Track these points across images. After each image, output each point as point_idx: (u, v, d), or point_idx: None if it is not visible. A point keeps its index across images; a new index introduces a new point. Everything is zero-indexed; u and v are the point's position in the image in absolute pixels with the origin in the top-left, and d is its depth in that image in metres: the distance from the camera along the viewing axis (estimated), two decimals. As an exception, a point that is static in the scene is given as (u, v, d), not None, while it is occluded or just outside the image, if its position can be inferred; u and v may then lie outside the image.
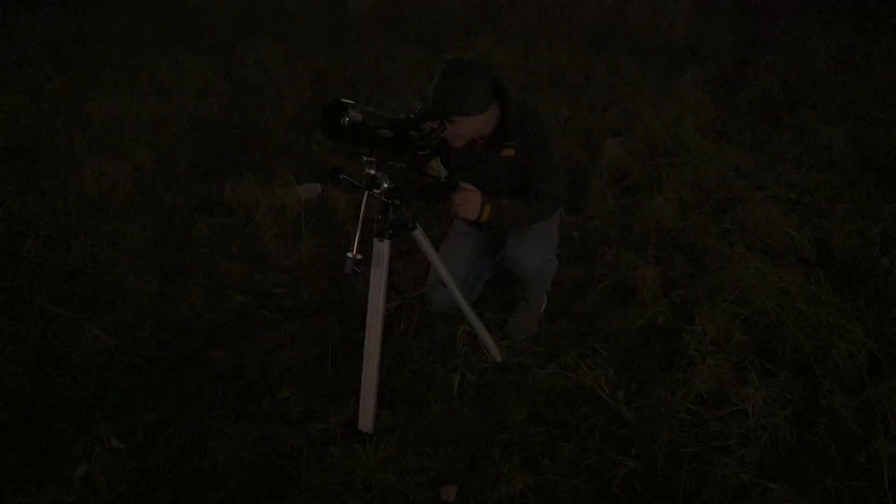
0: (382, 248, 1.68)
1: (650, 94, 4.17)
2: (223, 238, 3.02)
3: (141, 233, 3.04)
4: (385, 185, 1.60)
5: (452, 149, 1.92)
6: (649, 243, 2.73)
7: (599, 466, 1.72)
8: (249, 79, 5.20)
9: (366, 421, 1.81)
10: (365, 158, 1.60)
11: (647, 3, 5.70)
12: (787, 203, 2.90)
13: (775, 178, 3.17)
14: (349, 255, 1.57)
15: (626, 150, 3.43)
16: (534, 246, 2.07)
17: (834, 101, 3.87)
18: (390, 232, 1.66)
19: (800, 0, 4.38)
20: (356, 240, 1.57)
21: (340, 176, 1.58)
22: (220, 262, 2.79)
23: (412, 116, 1.66)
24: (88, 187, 3.42)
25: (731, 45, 4.58)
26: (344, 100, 1.43)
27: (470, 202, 1.82)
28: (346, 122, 1.42)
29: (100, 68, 5.57)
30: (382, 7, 7.42)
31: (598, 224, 2.96)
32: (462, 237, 2.31)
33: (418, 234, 1.79)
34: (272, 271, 2.74)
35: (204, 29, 6.94)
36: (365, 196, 1.64)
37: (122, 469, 1.76)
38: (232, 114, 4.37)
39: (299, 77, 5.10)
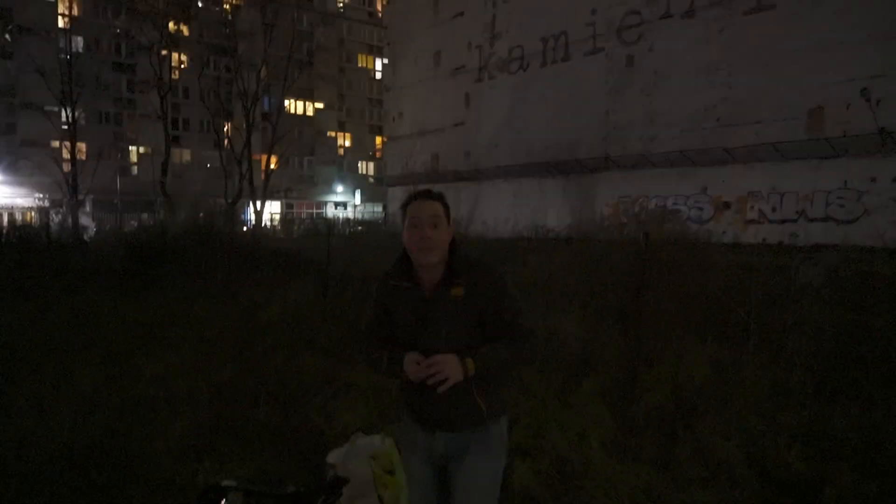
0: None
1: (553, 408, 4.26)
2: None
3: None
4: None
5: (404, 297, 2.01)
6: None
7: None
8: (143, 393, 4.93)
9: None
10: None
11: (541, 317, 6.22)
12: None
13: (686, 500, 3.12)
14: None
15: (534, 471, 3.35)
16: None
17: (723, 412, 4.09)
18: None
19: (672, 317, 4.94)
20: None
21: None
22: None
23: (302, 490, 1.52)
24: None
25: (618, 358, 4.94)
26: (223, 482, 1.29)
27: (448, 363, 1.85)
28: None
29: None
30: (293, 315, 7.70)
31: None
32: (419, 483, 2.17)
33: None
34: None
35: (107, 336, 6.79)
36: None
37: None
38: (114, 437, 3.99)
39: (198, 392, 4.89)
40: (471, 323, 1.98)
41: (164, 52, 30.85)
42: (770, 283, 4.85)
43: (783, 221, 18.39)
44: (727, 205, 19.68)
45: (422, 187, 2.04)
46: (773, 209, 18.70)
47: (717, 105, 19.06)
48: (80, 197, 30.70)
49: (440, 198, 2.01)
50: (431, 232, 1.93)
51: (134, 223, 19.39)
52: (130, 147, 48.93)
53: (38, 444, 3.83)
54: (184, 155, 49.27)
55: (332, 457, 3.21)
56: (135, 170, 48.59)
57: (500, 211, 23.56)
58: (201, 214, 15.01)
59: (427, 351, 1.94)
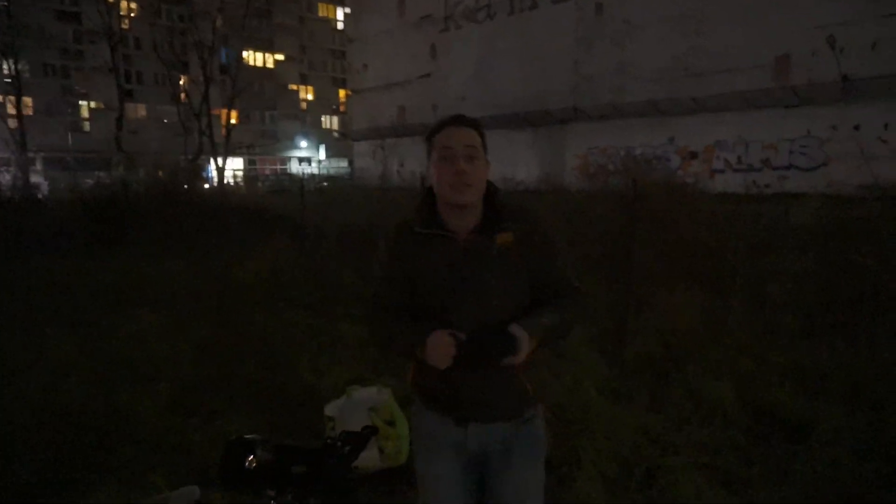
0: None
1: (544, 356, 4.25)
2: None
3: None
4: None
5: (434, 249, 1.59)
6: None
7: None
8: (120, 355, 4.76)
9: None
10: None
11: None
12: (705, 470, 2.85)
13: (684, 439, 3.16)
14: None
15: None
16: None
17: (712, 355, 4.15)
18: None
19: (660, 265, 4.95)
20: None
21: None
22: None
23: (329, 441, 1.42)
24: None
25: (607, 307, 4.95)
26: (248, 436, 1.19)
27: (521, 341, 1.47)
28: (253, 464, 1.17)
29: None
30: (270, 273, 7.51)
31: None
32: (447, 485, 1.70)
33: None
34: None
35: (76, 300, 6.52)
36: None
37: None
38: (95, 398, 3.84)
39: (179, 351, 4.74)
40: (521, 280, 1.61)
41: (111, 0, 29.16)
42: (756, 228, 4.88)
43: (748, 170, 18.67)
44: (694, 154, 19.85)
45: (450, 117, 1.63)
46: (739, 158, 18.96)
47: (686, 54, 18.99)
48: (31, 154, 29.28)
49: (476, 125, 1.62)
50: (468, 165, 1.55)
51: (89, 182, 18.59)
52: (81, 102, 46.71)
53: (10, 408, 3.66)
54: (139, 110, 47.29)
55: (330, 409, 3.14)
56: (87, 126, 46.49)
57: (469, 164, 23.31)
58: (160, 173, 14.45)
59: (467, 319, 1.54)
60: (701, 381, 3.76)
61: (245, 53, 39.42)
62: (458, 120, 1.62)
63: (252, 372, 4.40)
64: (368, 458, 3.03)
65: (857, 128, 16.59)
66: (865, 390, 3.49)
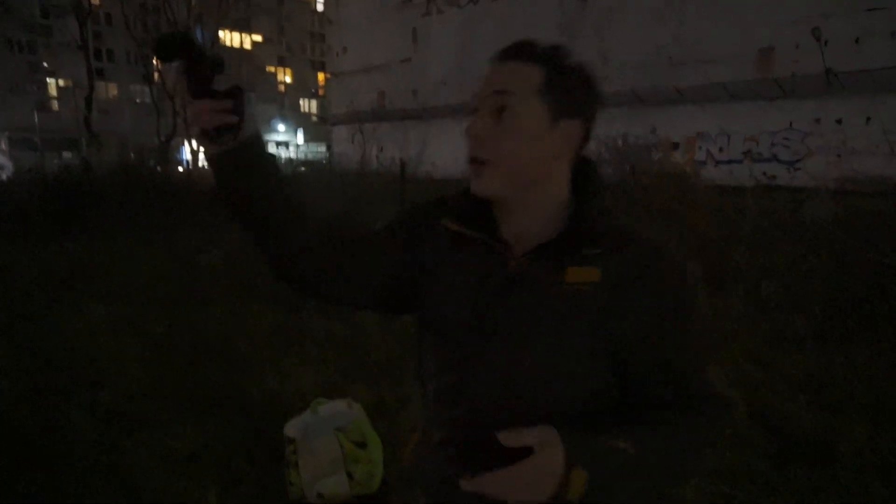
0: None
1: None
2: None
3: None
4: None
5: (466, 259, 0.95)
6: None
7: None
8: (58, 356, 4.27)
9: None
10: None
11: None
12: (723, 502, 2.50)
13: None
14: None
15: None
16: None
17: (718, 361, 3.81)
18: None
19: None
20: None
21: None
22: None
23: None
24: None
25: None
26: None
27: (539, 465, 0.76)
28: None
29: None
30: (235, 260, 7.03)
31: None
32: None
33: None
34: None
35: (17, 289, 5.97)
36: None
37: None
38: (20, 409, 3.36)
39: (129, 352, 4.27)
40: (596, 349, 0.87)
41: (79, -28, 27.89)
42: (761, 223, 4.55)
43: (730, 162, 18.56)
44: (676, 145, 19.65)
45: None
46: (721, 150, 18.83)
47: (669, 44, 18.76)
48: (-7, 134, 28.10)
49: (538, 56, 0.91)
50: (486, 124, 0.90)
51: (56, 162, 17.74)
52: (49, 79, 45.03)
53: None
54: (110, 89, 45.79)
55: (291, 429, 2.71)
56: (55, 105, 44.90)
57: (448, 151, 22.85)
58: (132, 154, 13.78)
59: (481, 392, 0.91)
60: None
61: (221, 34, 38.26)
62: (510, 49, 0.94)
63: (209, 375, 3.96)
64: (336, 485, 2.63)
65: (839, 121, 16.53)
66: (889, 404, 3.18)
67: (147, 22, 32.71)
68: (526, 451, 0.77)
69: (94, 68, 29.18)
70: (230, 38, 50.72)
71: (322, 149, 45.95)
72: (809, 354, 3.74)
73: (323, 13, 46.78)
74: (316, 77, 60.61)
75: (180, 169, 23.26)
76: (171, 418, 3.33)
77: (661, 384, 0.88)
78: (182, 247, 7.94)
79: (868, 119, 15.90)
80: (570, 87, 0.90)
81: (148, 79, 32.79)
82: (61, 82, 44.48)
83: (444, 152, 22.99)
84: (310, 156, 43.49)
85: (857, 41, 15.78)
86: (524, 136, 0.88)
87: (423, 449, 1.03)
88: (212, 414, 3.40)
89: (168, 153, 21.25)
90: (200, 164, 29.04)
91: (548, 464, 0.76)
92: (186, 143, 29.97)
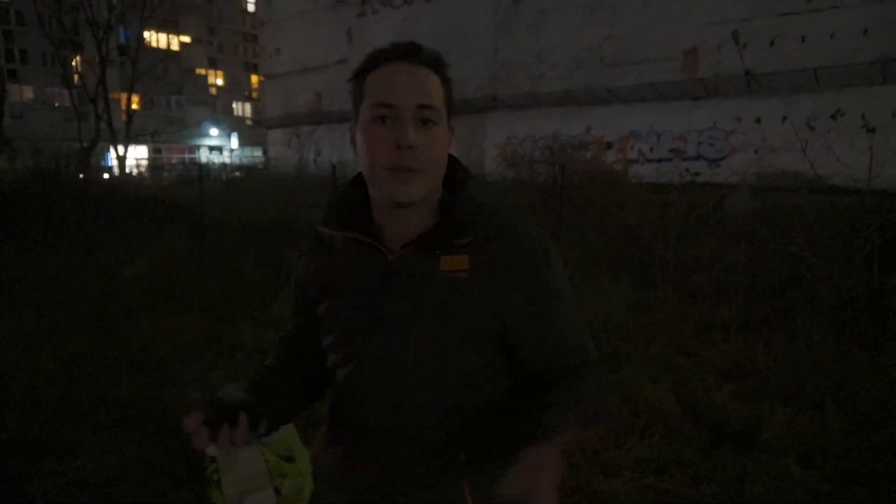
0: None
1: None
2: None
3: None
4: None
5: (351, 265, 0.98)
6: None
7: None
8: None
9: None
10: None
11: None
12: (651, 493, 2.53)
13: (623, 455, 2.84)
14: None
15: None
16: None
17: (647, 351, 3.89)
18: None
19: (587, 254, 4.67)
20: None
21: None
22: None
23: None
24: None
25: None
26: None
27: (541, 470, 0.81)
28: None
29: None
30: (161, 271, 6.72)
31: None
32: None
33: None
34: None
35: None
36: None
37: None
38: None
39: (38, 368, 3.99)
40: (476, 331, 0.94)
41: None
42: (689, 218, 4.69)
43: (660, 160, 19.17)
44: (609, 145, 20.18)
45: (393, 45, 0.94)
46: (651, 149, 19.45)
47: (602, 44, 19.22)
48: None
49: (436, 63, 0.93)
50: (420, 136, 0.89)
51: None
52: (-45, 83, 42.06)
53: None
54: (24, 92, 43.19)
55: (213, 448, 2.58)
56: (-37, 110, 41.97)
57: (387, 153, 22.73)
58: (51, 161, 12.98)
59: (374, 388, 0.98)
60: (638, 385, 3.48)
61: (147, 34, 36.76)
62: (409, 52, 0.92)
63: (129, 391, 3.73)
64: (263, 501, 2.51)
65: (758, 120, 17.36)
66: (806, 388, 3.32)
67: (63, 21, 31.03)
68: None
69: (5, 70, 27.43)
70: (157, 38, 48.76)
71: (258, 153, 44.83)
72: (733, 343, 3.87)
73: (255, 13, 45.66)
74: (249, 79, 59.08)
75: (105, 176, 22.19)
76: (85, 441, 3.12)
77: (545, 356, 0.97)
78: (104, 257, 7.54)
79: (784, 118, 16.77)
80: (452, 92, 0.97)
81: (67, 81, 31.13)
82: (-30, 85, 41.70)
83: (382, 154, 22.79)
84: (245, 160, 42.34)
85: (771, 44, 16.61)
86: (444, 144, 0.94)
87: (331, 444, 1.15)
88: (131, 434, 3.21)
89: (90, 159, 20.19)
90: (128, 169, 27.78)
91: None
92: (112, 148, 28.58)
